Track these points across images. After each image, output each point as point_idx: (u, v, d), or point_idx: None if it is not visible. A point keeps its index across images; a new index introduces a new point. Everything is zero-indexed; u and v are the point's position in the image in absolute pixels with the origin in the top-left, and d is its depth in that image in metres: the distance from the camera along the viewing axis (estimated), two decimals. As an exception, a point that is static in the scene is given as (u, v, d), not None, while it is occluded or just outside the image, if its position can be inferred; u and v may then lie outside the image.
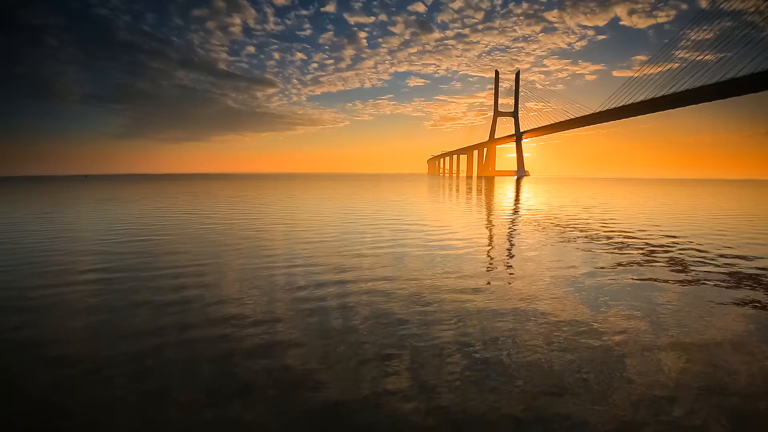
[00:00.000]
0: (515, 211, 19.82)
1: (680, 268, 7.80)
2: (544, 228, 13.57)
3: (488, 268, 7.72)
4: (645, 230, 13.21)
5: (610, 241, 10.93)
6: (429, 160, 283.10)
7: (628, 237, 11.67)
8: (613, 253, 9.20)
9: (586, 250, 9.58)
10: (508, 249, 9.87)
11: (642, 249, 9.76)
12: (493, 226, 14.25)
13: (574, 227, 13.80)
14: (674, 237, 11.65)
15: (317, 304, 5.48)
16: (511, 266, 7.92)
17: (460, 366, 3.73)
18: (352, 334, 4.45)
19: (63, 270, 7.54)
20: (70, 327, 4.73)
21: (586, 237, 11.58)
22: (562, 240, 11.02)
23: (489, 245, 10.22)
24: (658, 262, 8.33)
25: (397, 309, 5.28)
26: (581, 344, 4.22)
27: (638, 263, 8.17)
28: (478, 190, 43.52)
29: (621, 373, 3.61)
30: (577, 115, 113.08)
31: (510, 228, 13.66)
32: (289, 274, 7.10)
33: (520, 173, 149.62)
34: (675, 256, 8.97)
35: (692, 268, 7.80)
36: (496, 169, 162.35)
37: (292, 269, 7.48)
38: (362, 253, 9.00)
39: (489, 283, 6.61)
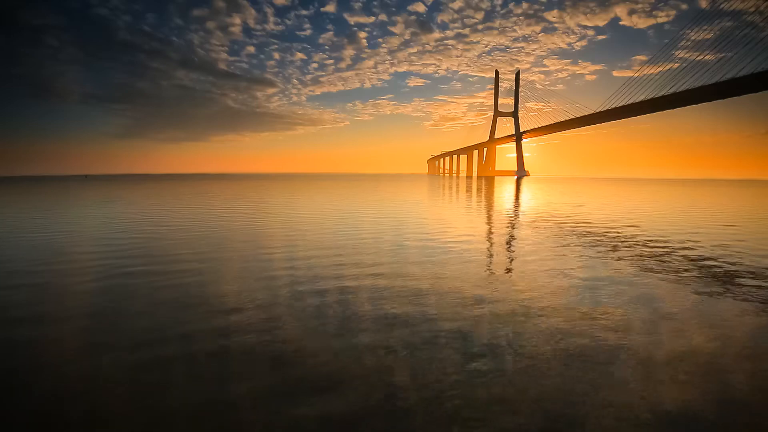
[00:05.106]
0: (529, 216, 19.32)
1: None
2: (588, 243, 11.51)
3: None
4: (698, 242, 10.90)
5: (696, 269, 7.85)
6: (429, 160, 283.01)
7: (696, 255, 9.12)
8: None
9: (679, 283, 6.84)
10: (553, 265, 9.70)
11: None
12: (519, 237, 13.62)
13: (628, 242, 10.86)
14: None
15: (318, 301, 5.44)
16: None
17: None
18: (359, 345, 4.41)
19: (62, 282, 7.49)
20: (68, 341, 4.69)
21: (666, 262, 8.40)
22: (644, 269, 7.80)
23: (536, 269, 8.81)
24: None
25: (400, 324, 5.23)
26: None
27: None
28: (483, 191, 43.35)
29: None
30: (577, 115, 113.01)
31: (538, 236, 13.23)
32: (294, 292, 7.05)
33: (520, 173, 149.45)
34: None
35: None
36: (496, 169, 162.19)
37: (295, 282, 7.42)
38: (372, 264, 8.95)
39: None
